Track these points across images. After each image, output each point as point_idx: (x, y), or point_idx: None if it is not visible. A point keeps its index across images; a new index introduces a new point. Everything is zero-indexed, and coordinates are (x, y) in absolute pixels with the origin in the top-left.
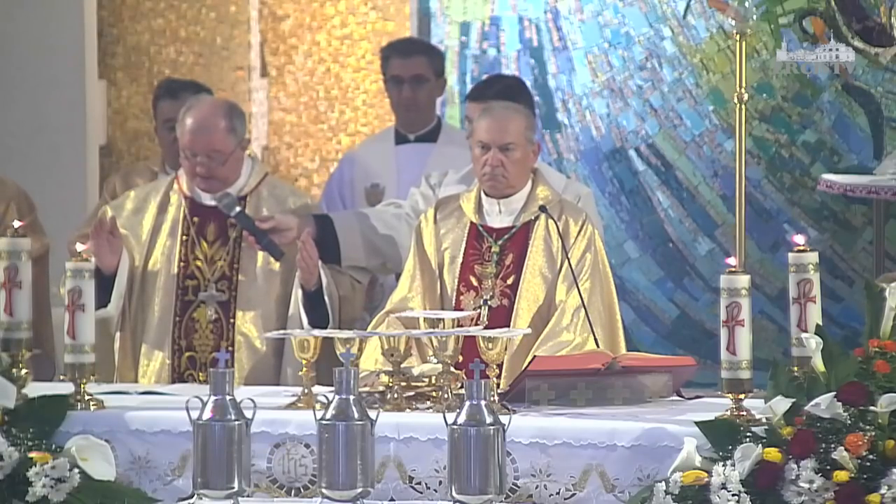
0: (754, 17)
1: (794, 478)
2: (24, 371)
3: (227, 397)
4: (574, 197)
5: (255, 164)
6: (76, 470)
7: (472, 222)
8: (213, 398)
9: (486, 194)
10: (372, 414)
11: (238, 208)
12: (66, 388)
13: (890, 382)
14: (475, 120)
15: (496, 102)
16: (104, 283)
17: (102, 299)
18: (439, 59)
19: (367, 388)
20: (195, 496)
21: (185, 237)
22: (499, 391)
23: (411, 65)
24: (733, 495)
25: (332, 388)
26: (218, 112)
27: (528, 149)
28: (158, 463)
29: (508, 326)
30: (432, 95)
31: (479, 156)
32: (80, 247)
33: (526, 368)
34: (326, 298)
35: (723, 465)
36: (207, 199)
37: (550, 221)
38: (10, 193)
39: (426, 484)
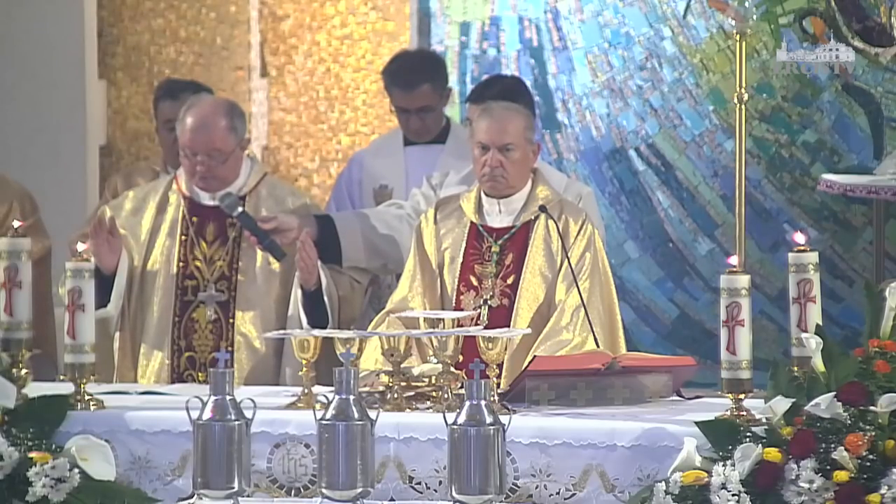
0: (754, 17)
1: (794, 478)
2: (24, 371)
3: (227, 397)
4: (575, 196)
5: (254, 164)
6: (76, 470)
7: (472, 222)
8: (213, 398)
9: (486, 194)
10: (372, 414)
11: (240, 208)
12: (66, 388)
13: (890, 382)
14: (475, 121)
15: (495, 103)
16: (104, 283)
17: (102, 299)
18: (442, 75)
19: (367, 388)
20: (195, 496)
21: (184, 237)
22: (499, 391)
23: (416, 98)
24: (733, 495)
25: (332, 388)
26: (218, 111)
27: (527, 149)
28: (158, 463)
29: (508, 326)
30: (440, 113)
31: (479, 156)
32: (80, 246)
33: (526, 368)
34: (326, 299)
35: (723, 465)
36: (207, 199)
37: (550, 221)
38: (12, 194)
39: (426, 484)
